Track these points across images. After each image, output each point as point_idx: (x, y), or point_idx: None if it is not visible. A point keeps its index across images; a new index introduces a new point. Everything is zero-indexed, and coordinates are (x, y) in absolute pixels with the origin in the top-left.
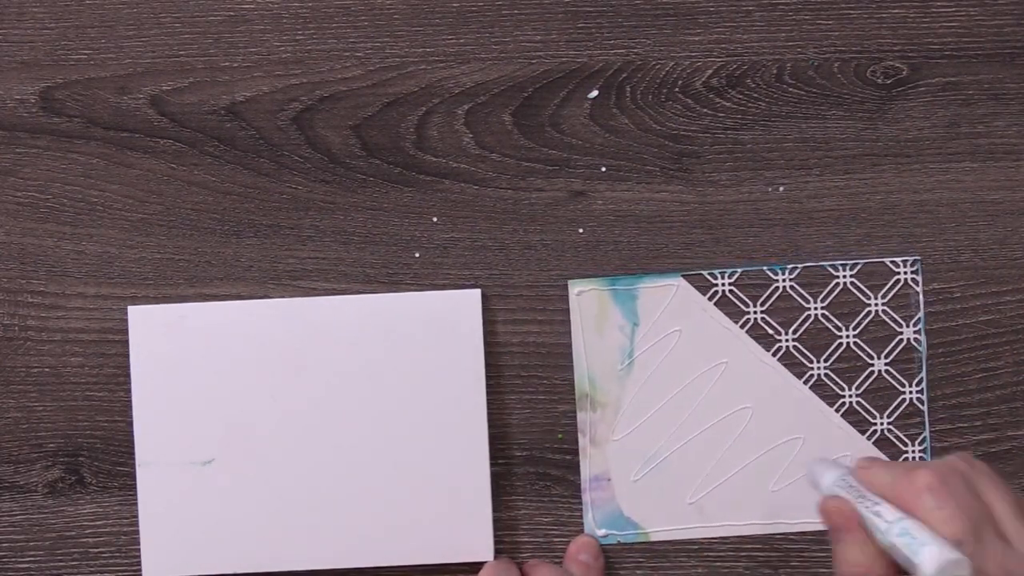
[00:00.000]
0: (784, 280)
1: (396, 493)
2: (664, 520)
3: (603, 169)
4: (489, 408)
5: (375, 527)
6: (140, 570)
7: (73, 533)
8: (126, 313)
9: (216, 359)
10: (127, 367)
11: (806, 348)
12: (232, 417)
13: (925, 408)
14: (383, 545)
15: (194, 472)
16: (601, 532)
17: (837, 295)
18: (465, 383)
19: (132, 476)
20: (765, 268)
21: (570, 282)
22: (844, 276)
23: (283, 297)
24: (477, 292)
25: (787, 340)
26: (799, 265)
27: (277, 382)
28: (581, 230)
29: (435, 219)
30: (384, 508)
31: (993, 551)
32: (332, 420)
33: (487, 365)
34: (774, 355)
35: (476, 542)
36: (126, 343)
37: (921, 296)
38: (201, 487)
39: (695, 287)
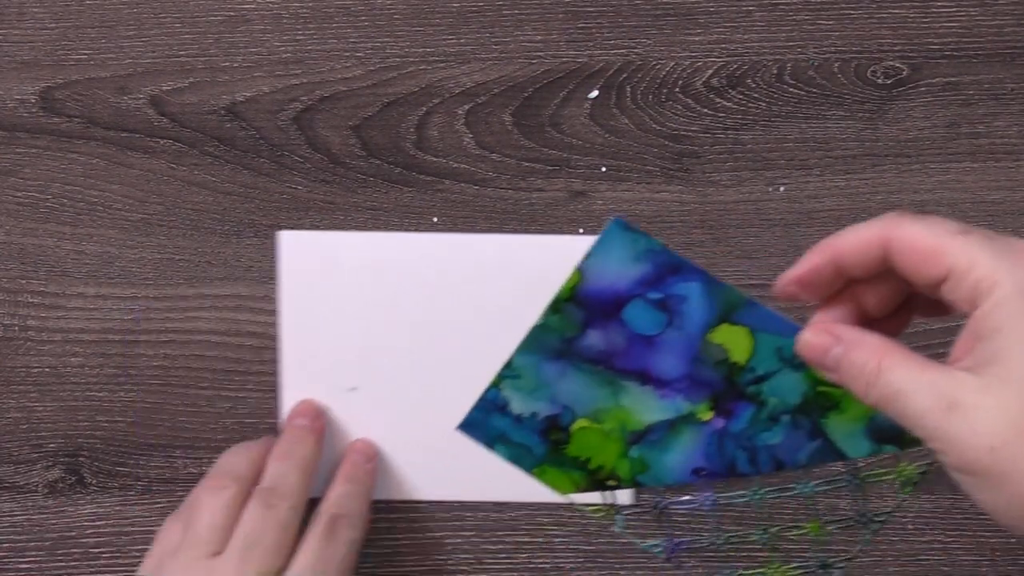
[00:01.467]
0: None
1: None
2: None
3: (603, 169)
4: None
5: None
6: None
7: (73, 533)
8: (126, 313)
9: (362, 288)
10: (127, 367)
11: None
12: (376, 346)
13: None
14: (522, 479)
15: (339, 399)
16: None
17: None
18: None
19: (132, 476)
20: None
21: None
22: None
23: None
24: None
25: None
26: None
27: (419, 315)
28: (581, 230)
29: (435, 219)
30: None
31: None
32: (472, 354)
33: None
34: None
35: None
36: (126, 343)
37: None
38: (346, 413)
39: None
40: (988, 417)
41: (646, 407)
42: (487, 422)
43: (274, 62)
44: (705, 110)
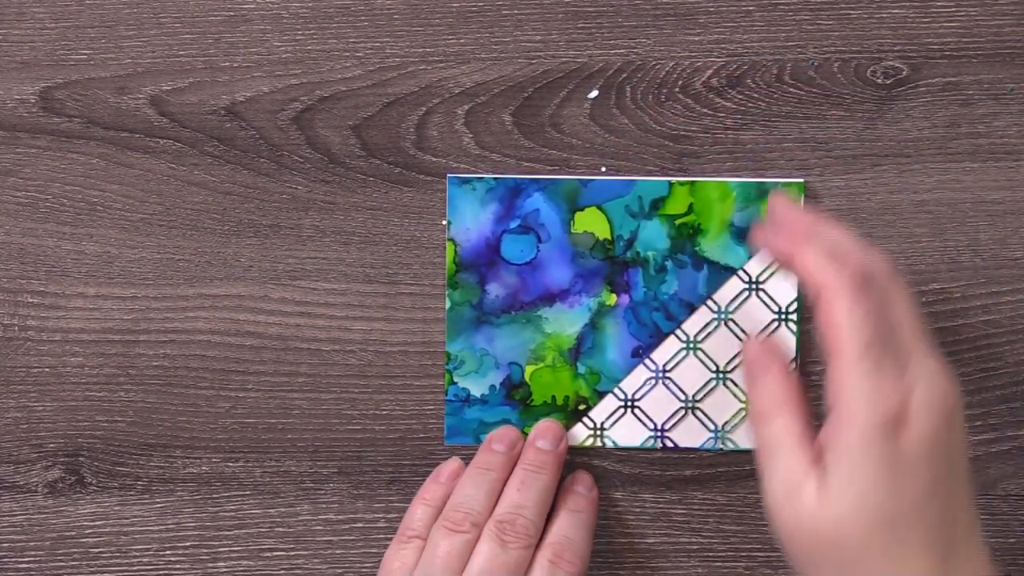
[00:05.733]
0: None
1: None
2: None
3: (603, 169)
4: None
5: None
6: (139, 570)
7: (73, 533)
8: (126, 313)
9: None
10: (127, 367)
11: None
12: None
13: None
14: None
15: None
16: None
17: None
18: None
19: (132, 476)
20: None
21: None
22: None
23: (284, 296)
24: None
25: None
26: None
27: None
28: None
29: (445, 221)
30: None
31: (892, 369)
32: None
33: None
34: None
35: None
36: (126, 343)
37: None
38: None
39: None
40: (814, 520)
41: (566, 322)
42: (463, 419)
43: (274, 62)
44: (705, 110)
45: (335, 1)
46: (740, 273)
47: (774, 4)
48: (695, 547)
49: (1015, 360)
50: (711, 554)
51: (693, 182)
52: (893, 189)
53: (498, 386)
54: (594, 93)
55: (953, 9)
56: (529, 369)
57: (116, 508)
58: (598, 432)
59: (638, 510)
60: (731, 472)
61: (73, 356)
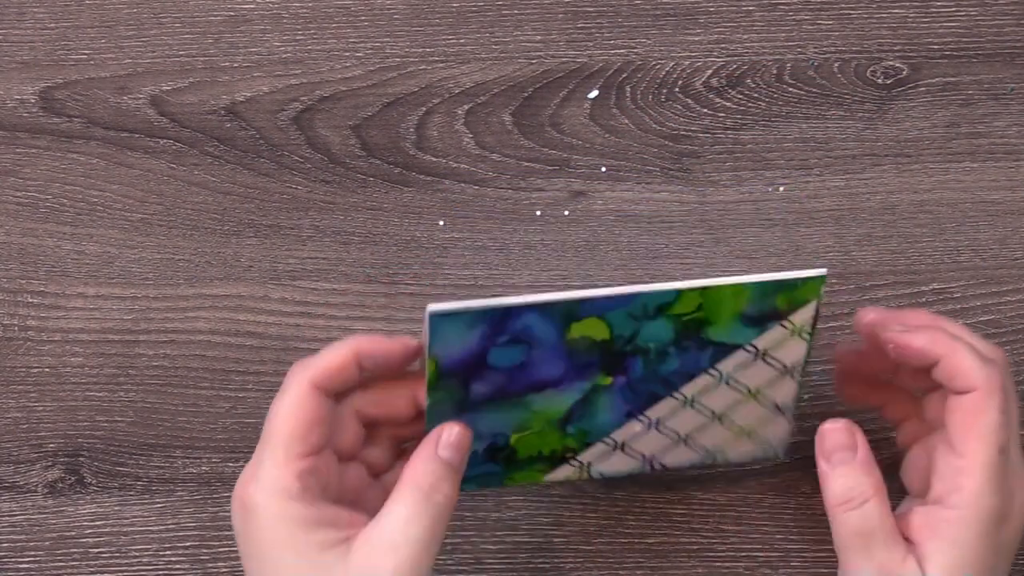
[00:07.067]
0: None
1: None
2: None
3: (603, 169)
4: None
5: None
6: (139, 570)
7: (73, 533)
8: (126, 313)
9: None
10: (127, 367)
11: None
12: None
13: None
14: None
15: None
16: None
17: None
18: None
19: (132, 476)
20: None
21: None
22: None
23: (284, 296)
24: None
25: None
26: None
27: None
28: (581, 230)
29: (441, 222)
30: None
31: (1013, 471)
32: None
33: None
34: None
35: None
36: (126, 343)
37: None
38: None
39: None
40: None
41: (556, 401)
42: None
43: (274, 62)
44: (705, 110)
45: (335, 1)
46: (747, 347)
47: (774, 4)
48: (695, 547)
49: (1015, 360)
50: (711, 554)
51: (705, 288)
52: (893, 189)
53: (481, 452)
54: (594, 93)
55: (953, 9)
56: (515, 436)
57: (116, 508)
58: (584, 467)
59: (638, 510)
60: (731, 472)
61: (73, 356)
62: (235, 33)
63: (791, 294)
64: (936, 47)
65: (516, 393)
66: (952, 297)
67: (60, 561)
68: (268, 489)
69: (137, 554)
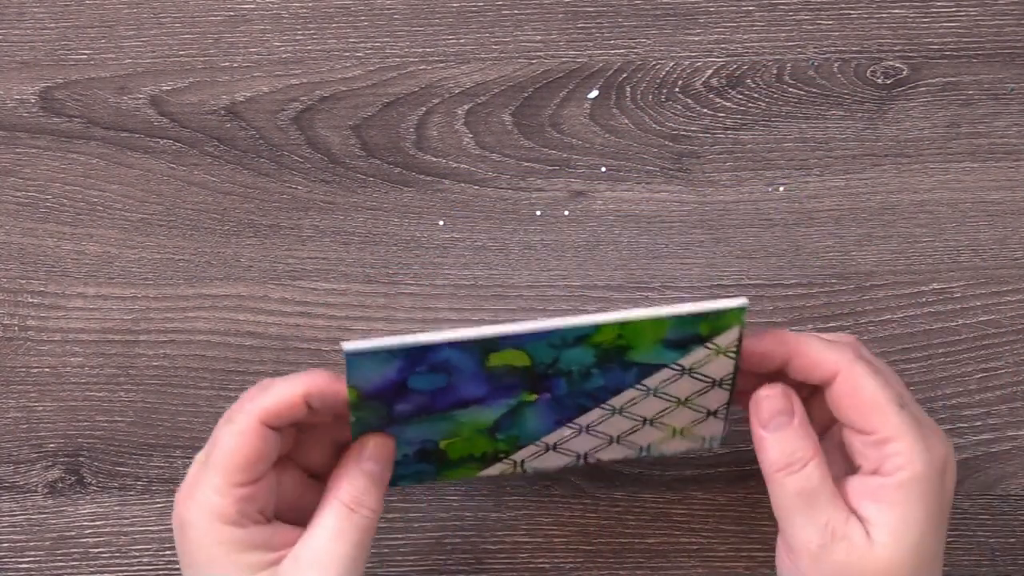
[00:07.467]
0: None
1: None
2: None
3: (603, 169)
4: None
5: None
6: (139, 570)
7: (73, 533)
8: (126, 313)
9: None
10: (127, 367)
11: None
12: None
13: None
14: None
15: None
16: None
17: None
18: None
19: (132, 476)
20: None
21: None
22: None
23: (283, 296)
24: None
25: None
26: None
27: None
28: (581, 230)
29: (441, 222)
30: None
31: (926, 423)
32: None
33: None
34: None
35: None
36: (126, 343)
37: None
38: None
39: None
40: (863, 567)
41: (482, 415)
42: None
43: (274, 62)
44: (705, 110)
45: (335, 1)
46: (672, 365)
47: (774, 4)
48: (695, 547)
49: (1015, 360)
50: (711, 554)
51: (624, 323)
52: (893, 189)
53: (412, 454)
54: (594, 93)
55: (953, 9)
56: (444, 442)
57: (116, 508)
58: (518, 465)
59: (638, 510)
60: (731, 472)
61: (73, 356)
62: (235, 33)
63: (713, 323)
64: (936, 47)
65: (440, 410)
66: (952, 297)
67: (60, 561)
68: (203, 510)
69: (137, 554)
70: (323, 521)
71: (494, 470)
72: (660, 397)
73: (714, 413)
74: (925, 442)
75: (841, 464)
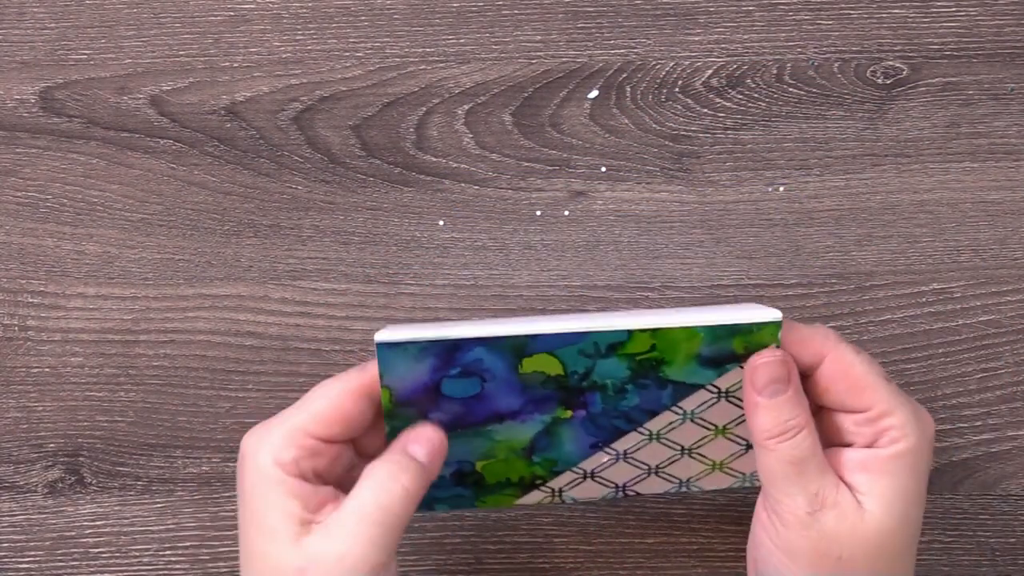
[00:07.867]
0: None
1: None
2: None
3: (603, 169)
4: None
5: None
6: (139, 570)
7: (73, 533)
8: (126, 313)
9: None
10: (127, 367)
11: None
12: None
13: None
14: None
15: None
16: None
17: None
18: None
19: (132, 476)
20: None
21: None
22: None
23: (284, 296)
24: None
25: None
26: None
27: None
28: (581, 230)
29: (441, 222)
30: None
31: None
32: None
33: None
34: None
35: None
36: (126, 343)
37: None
38: None
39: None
40: (854, 535)
41: (518, 432)
42: None
43: (274, 62)
44: (705, 110)
45: (335, 1)
46: (708, 387)
47: (774, 4)
48: (695, 547)
49: (1015, 360)
50: (711, 554)
51: (656, 330)
52: (893, 189)
53: (448, 476)
54: (594, 93)
55: (953, 9)
56: (480, 463)
57: (116, 508)
58: (556, 494)
59: (638, 510)
60: None
61: (73, 356)
62: (235, 33)
63: (747, 338)
64: (936, 47)
65: (476, 423)
66: (952, 297)
67: (60, 561)
68: (265, 444)
69: (137, 554)
70: (358, 490)
71: (532, 499)
72: (697, 423)
73: (753, 447)
74: (916, 415)
75: (824, 443)
